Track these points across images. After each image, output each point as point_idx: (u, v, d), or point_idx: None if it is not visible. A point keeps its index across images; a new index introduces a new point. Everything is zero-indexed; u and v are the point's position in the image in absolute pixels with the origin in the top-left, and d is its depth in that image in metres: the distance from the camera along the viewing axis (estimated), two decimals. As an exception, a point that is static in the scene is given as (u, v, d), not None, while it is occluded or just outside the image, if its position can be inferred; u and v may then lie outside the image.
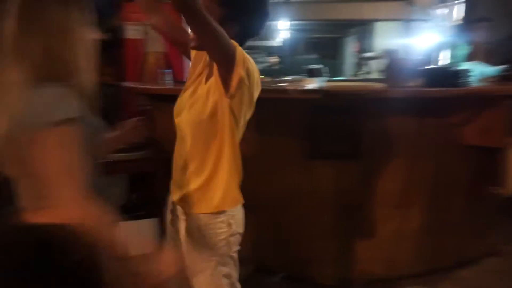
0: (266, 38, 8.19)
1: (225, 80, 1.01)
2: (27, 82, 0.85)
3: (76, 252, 0.87)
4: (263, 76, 3.78)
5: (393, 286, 2.26)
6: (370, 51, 7.07)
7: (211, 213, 1.13)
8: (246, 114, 1.13)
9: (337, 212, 2.09)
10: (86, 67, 0.94)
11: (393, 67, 1.97)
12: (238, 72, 0.99)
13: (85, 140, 0.87)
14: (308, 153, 2.04)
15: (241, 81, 1.00)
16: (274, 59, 6.89)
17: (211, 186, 1.13)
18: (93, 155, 0.94)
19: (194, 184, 1.14)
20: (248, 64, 1.03)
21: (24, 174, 0.88)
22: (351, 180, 2.03)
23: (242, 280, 1.31)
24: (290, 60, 7.57)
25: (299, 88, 2.00)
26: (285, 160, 2.14)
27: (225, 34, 0.95)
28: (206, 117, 1.06)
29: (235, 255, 1.23)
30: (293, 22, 7.12)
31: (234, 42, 1.00)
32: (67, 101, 0.85)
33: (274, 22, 7.15)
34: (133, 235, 2.12)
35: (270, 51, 8.08)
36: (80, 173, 0.84)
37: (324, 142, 1.99)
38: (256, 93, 1.13)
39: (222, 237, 1.16)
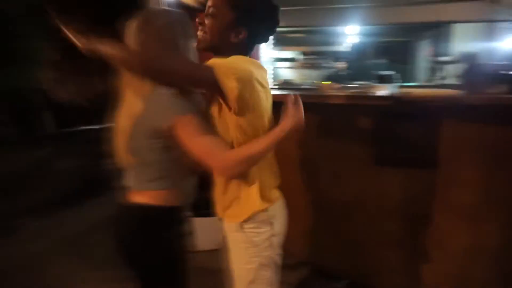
0: (333, 43, 8.13)
1: (225, 100, 1.04)
2: (148, 91, 1.05)
3: (167, 225, 1.14)
4: (330, 82, 3.79)
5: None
6: (445, 55, 6.66)
7: (248, 218, 1.15)
8: (259, 116, 1.11)
9: (404, 221, 2.03)
10: None
11: (472, 72, 1.87)
12: (229, 87, 0.98)
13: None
14: (376, 160, 2.02)
15: (237, 92, 0.99)
16: (341, 64, 6.81)
17: (242, 194, 1.15)
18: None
19: (228, 194, 1.17)
20: (238, 72, 1.00)
21: (137, 163, 1.10)
22: (420, 189, 1.97)
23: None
24: (358, 66, 7.41)
25: (369, 94, 2.00)
26: (352, 166, 2.14)
27: (194, 66, 1.04)
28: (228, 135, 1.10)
29: (278, 258, 1.24)
30: (362, 27, 6.99)
31: (212, 61, 1.03)
32: (180, 100, 1.05)
33: (341, 27, 7.09)
34: (204, 231, 2.32)
35: (337, 56, 7.98)
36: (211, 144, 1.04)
37: (393, 149, 1.96)
38: (264, 89, 1.12)
39: (265, 236, 1.17)
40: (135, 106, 1.06)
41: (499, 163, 1.96)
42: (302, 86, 5.01)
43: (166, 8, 1.26)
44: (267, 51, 5.26)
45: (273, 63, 8.54)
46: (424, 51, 7.94)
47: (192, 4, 6.13)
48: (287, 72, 8.80)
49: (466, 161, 1.95)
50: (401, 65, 8.82)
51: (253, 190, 1.15)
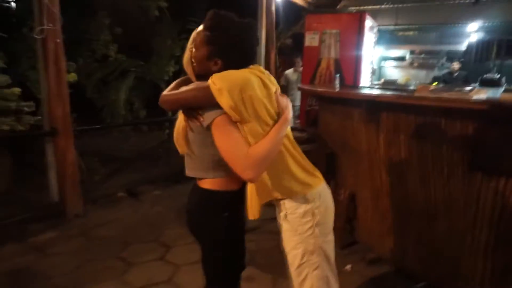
0: (449, 42, 7.47)
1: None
2: None
3: (223, 206, 1.34)
4: (435, 84, 3.61)
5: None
6: None
7: (291, 200, 1.32)
8: (263, 122, 1.21)
9: (494, 229, 1.96)
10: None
11: None
12: (224, 101, 1.13)
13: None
14: (468, 165, 1.99)
15: (231, 102, 1.13)
16: (455, 65, 6.27)
17: (281, 177, 1.32)
18: None
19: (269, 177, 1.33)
20: (228, 85, 1.13)
21: (194, 155, 1.33)
22: (515, 200, 1.88)
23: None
24: (474, 66, 6.70)
25: (466, 98, 1.97)
26: (442, 170, 2.13)
27: (194, 90, 1.20)
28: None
29: (327, 245, 1.37)
30: (484, 24, 6.30)
31: (211, 79, 1.16)
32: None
33: (459, 25, 6.50)
34: None
35: (452, 56, 7.34)
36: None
37: (487, 156, 1.91)
38: (267, 91, 1.24)
39: (308, 226, 1.32)
40: None
41: None
42: (403, 87, 4.83)
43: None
44: (371, 48, 5.21)
45: (380, 62, 8.26)
46: None
47: (301, 4, 6.36)
48: (394, 72, 8.40)
49: None
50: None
51: (289, 176, 1.32)
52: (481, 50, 7.03)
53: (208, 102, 1.16)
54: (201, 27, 1.26)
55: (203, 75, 1.25)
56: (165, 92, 1.32)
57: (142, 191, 4.08)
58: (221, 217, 1.34)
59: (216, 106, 1.16)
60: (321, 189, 1.39)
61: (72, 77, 3.24)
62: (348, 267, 2.62)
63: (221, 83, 1.14)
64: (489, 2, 5.66)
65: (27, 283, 2.40)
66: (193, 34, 1.30)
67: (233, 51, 1.23)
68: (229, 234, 1.38)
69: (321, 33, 4.33)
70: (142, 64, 4.49)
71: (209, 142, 1.23)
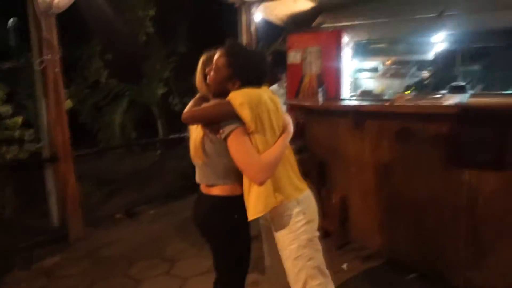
0: (418, 52, 7.97)
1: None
2: None
3: (232, 210, 1.52)
4: (409, 92, 3.92)
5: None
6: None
7: (287, 202, 1.49)
8: (272, 133, 1.45)
9: (471, 218, 2.21)
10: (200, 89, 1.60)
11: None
12: (244, 114, 1.35)
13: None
14: (445, 162, 2.25)
15: (251, 114, 1.36)
16: (425, 73, 6.72)
17: (282, 181, 1.49)
18: None
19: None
20: (249, 99, 1.37)
21: (208, 163, 1.52)
22: (487, 190, 2.14)
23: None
24: (443, 74, 7.18)
25: (439, 104, 2.25)
26: (423, 168, 2.39)
27: (217, 106, 1.44)
28: None
29: (316, 240, 1.56)
30: (449, 33, 6.79)
31: (230, 96, 1.39)
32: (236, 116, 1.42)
33: (426, 37, 6.98)
34: None
35: (421, 65, 7.82)
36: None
37: (461, 153, 2.17)
38: (276, 109, 1.49)
39: (300, 224, 1.50)
40: None
41: None
42: (380, 97, 5.17)
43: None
44: (348, 62, 5.55)
45: (355, 74, 8.68)
46: (522, 56, 7.34)
47: (277, 22, 6.68)
48: (369, 82, 8.81)
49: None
50: (499, 71, 8.22)
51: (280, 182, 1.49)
52: (446, 59, 7.55)
53: (228, 116, 1.38)
54: (220, 53, 1.48)
55: (219, 94, 1.47)
56: (187, 110, 1.54)
57: (139, 212, 4.18)
58: (233, 219, 1.52)
59: (234, 119, 1.37)
60: (308, 193, 1.61)
61: (68, 104, 3.37)
62: (344, 266, 2.81)
63: (242, 99, 1.37)
64: (452, 15, 6.13)
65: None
66: (204, 58, 1.57)
67: (250, 73, 1.46)
68: (241, 233, 1.57)
69: (303, 51, 4.63)
70: (134, 87, 4.65)
71: (224, 152, 1.43)
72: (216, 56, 1.50)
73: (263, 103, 1.41)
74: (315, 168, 3.16)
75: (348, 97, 4.99)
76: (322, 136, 3.30)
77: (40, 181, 3.46)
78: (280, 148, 1.45)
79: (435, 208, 2.38)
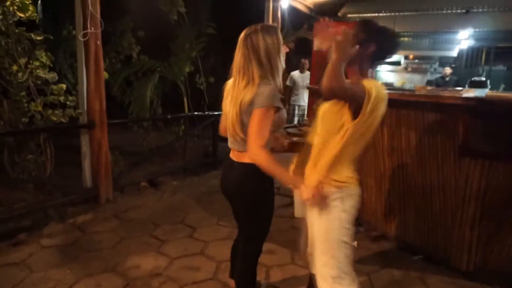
0: (441, 48, 7.97)
1: (354, 113, 1.47)
2: (250, 85, 1.57)
3: (259, 177, 1.63)
4: (430, 87, 4.04)
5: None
6: None
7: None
8: (373, 121, 1.49)
9: (480, 206, 2.36)
10: (281, 71, 1.65)
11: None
12: (367, 107, 1.40)
13: (275, 120, 1.58)
14: (460, 151, 2.39)
15: (369, 111, 1.41)
16: (447, 70, 6.74)
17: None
18: (274, 130, 1.68)
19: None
20: (377, 97, 1.41)
21: (244, 135, 1.63)
22: (496, 180, 2.28)
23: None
24: (464, 72, 7.17)
25: (457, 96, 2.38)
26: (436, 156, 2.54)
27: (353, 92, 1.42)
28: (335, 129, 1.55)
29: (349, 228, 1.59)
30: (475, 31, 6.78)
31: (365, 87, 1.41)
32: (275, 94, 1.54)
33: (451, 32, 6.97)
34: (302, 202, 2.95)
35: (444, 61, 7.82)
36: (265, 136, 1.53)
37: (475, 143, 2.31)
38: (381, 104, 1.47)
39: (335, 209, 1.55)
40: (244, 96, 1.56)
41: None
42: (397, 88, 5.28)
43: (265, 23, 1.63)
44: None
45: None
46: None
47: (303, 10, 6.77)
48: (390, 76, 8.86)
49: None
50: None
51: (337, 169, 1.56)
52: (471, 56, 7.52)
53: (356, 102, 1.44)
54: (352, 28, 1.55)
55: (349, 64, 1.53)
56: (332, 80, 1.41)
57: (162, 182, 4.44)
58: (264, 186, 1.70)
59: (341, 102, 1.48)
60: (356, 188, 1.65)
61: (104, 75, 3.59)
62: (354, 243, 2.99)
63: (376, 93, 1.42)
64: (480, 12, 6.12)
65: (82, 254, 2.74)
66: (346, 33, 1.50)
67: (385, 43, 1.56)
68: (270, 199, 1.76)
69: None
70: (163, 64, 4.86)
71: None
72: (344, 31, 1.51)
73: (381, 107, 1.47)
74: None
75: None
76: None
77: (75, 146, 3.73)
78: (275, 171, 1.55)
79: (445, 194, 2.54)
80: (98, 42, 3.30)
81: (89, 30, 3.18)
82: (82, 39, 3.22)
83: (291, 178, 1.62)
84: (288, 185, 1.57)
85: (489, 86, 2.71)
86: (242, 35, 1.61)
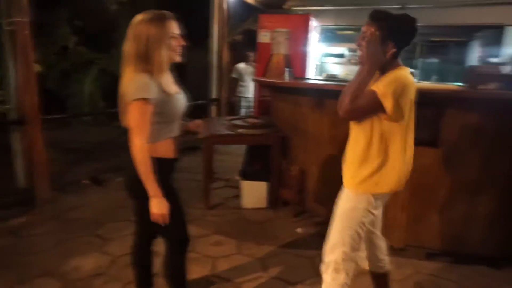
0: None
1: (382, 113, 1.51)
2: (131, 74, 1.49)
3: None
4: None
5: (458, 261, 2.62)
6: (495, 57, 6.74)
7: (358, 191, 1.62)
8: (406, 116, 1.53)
9: (413, 188, 2.55)
10: (165, 64, 1.53)
11: (472, 71, 2.34)
12: (387, 106, 1.44)
13: (157, 111, 1.50)
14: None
15: (392, 106, 1.44)
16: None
17: (362, 171, 1.61)
18: (169, 120, 1.60)
19: (351, 165, 1.69)
20: (393, 89, 1.44)
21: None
22: (427, 163, 2.48)
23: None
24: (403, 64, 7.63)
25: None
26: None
27: (366, 96, 1.48)
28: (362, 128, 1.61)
29: (361, 228, 1.66)
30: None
31: (374, 86, 1.46)
32: (144, 86, 1.46)
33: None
34: (250, 193, 3.08)
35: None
36: (141, 131, 1.47)
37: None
38: (411, 95, 1.53)
39: (360, 207, 1.62)
40: (124, 88, 1.52)
41: (493, 147, 2.42)
42: (341, 80, 5.51)
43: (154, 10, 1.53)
44: (315, 45, 5.80)
45: (322, 58, 8.99)
46: (475, 52, 7.97)
47: (251, 3, 6.79)
48: (335, 67, 9.17)
49: (465, 143, 2.43)
50: (454, 65, 8.84)
51: (369, 174, 1.59)
52: (407, 50, 8.02)
53: (374, 106, 1.50)
54: (367, 23, 1.53)
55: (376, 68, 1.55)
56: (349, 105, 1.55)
57: (107, 179, 4.26)
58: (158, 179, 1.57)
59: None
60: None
61: (36, 68, 3.36)
62: (299, 229, 3.12)
63: (384, 89, 1.45)
64: (414, 8, 6.52)
65: (15, 259, 2.56)
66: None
67: (402, 32, 1.52)
68: (167, 189, 1.61)
69: (272, 32, 4.82)
70: (103, 56, 4.63)
71: None
72: (363, 29, 1.55)
73: (408, 94, 1.48)
74: (279, 142, 3.40)
75: (313, 78, 5.28)
76: (286, 113, 3.54)
77: (6, 144, 3.46)
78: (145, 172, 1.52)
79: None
80: (26, 32, 3.07)
81: (15, 19, 2.94)
82: (7, 28, 2.97)
83: (154, 186, 1.52)
84: (148, 190, 1.52)
85: (418, 77, 2.95)
86: (131, 22, 1.53)
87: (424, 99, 2.47)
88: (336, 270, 1.66)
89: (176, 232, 1.76)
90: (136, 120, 1.47)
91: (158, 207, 1.53)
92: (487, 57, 7.07)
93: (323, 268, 1.73)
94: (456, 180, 2.50)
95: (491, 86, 2.27)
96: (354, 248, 1.66)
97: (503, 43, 6.70)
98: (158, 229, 1.68)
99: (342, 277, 1.65)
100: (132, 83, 1.48)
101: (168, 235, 1.76)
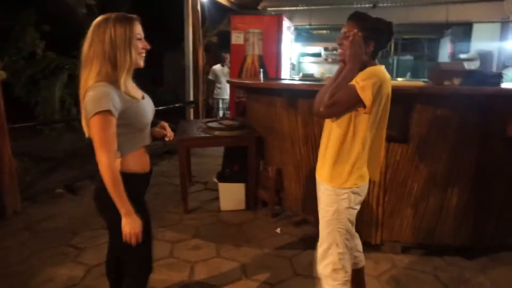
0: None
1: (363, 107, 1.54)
2: (90, 81, 1.36)
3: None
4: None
5: (432, 253, 2.69)
6: (464, 53, 6.97)
7: (338, 187, 1.64)
8: (381, 110, 1.60)
9: (387, 184, 2.60)
10: (130, 68, 1.42)
11: (436, 68, 2.41)
12: (367, 98, 1.49)
13: (123, 122, 1.39)
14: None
15: (372, 98, 1.50)
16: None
17: (339, 166, 1.63)
18: (137, 128, 1.49)
19: (328, 161, 1.67)
20: (371, 82, 1.50)
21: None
22: (396, 159, 2.53)
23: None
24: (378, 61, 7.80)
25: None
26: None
27: (345, 91, 1.53)
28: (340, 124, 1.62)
29: (350, 225, 1.68)
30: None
31: (358, 80, 1.52)
32: (101, 97, 1.32)
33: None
34: (227, 195, 3.05)
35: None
36: (110, 145, 1.34)
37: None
38: (388, 89, 1.61)
39: (343, 207, 1.64)
40: (82, 93, 1.40)
41: (460, 141, 2.49)
42: (319, 80, 5.59)
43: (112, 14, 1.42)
44: (289, 45, 5.84)
45: (299, 58, 9.08)
46: (445, 49, 8.21)
47: (225, 4, 6.77)
48: (312, 67, 9.28)
49: (433, 138, 2.50)
50: (427, 61, 9.09)
51: (348, 169, 1.62)
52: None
53: (354, 100, 1.54)
54: (349, 23, 1.60)
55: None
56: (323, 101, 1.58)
57: (81, 187, 4.16)
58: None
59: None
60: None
61: (1, 74, 3.24)
62: (278, 230, 3.13)
63: (363, 83, 1.51)
64: (386, 7, 6.68)
65: (-20, 274, 2.47)
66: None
67: (382, 33, 1.59)
68: (138, 207, 1.49)
69: (245, 33, 4.83)
70: (74, 61, 4.52)
71: None
72: (344, 29, 1.60)
73: (384, 88, 1.55)
74: (254, 142, 3.41)
75: (288, 78, 5.32)
76: (261, 113, 3.55)
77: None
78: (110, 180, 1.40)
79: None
80: (-11, 38, 2.96)
81: (-24, 25, 2.83)
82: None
83: (126, 204, 1.40)
84: (120, 209, 1.41)
85: (393, 75, 3.03)
86: (93, 23, 1.42)
87: (393, 96, 2.55)
88: (335, 271, 1.69)
89: (143, 254, 1.64)
90: (99, 136, 1.33)
91: (131, 226, 1.42)
92: (457, 54, 7.30)
93: (320, 270, 1.75)
94: (427, 174, 2.56)
95: (456, 82, 2.34)
96: (347, 245, 1.70)
97: (472, 40, 6.92)
98: (125, 247, 1.49)
99: (341, 276, 1.69)
100: (91, 94, 1.34)
101: (133, 256, 1.60)
